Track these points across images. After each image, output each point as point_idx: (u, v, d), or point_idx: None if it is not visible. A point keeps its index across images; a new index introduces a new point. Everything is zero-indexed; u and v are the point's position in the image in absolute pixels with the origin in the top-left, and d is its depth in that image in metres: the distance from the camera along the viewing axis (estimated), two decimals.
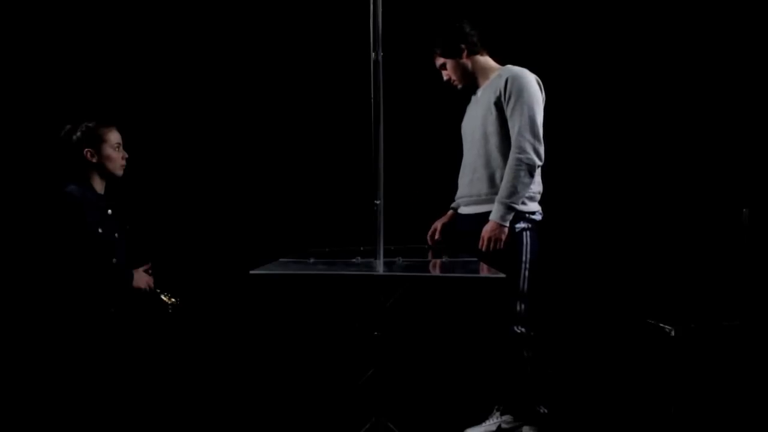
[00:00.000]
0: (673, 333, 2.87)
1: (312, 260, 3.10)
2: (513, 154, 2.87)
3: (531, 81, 2.94)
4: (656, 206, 4.02)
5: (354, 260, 3.07)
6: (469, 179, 3.06)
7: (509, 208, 2.87)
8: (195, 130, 4.16)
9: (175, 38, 4.10)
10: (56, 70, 3.99)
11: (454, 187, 3.30)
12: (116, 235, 2.97)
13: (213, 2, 4.12)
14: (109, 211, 2.98)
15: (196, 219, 4.16)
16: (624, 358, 3.55)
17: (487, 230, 2.90)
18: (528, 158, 2.86)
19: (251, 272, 2.85)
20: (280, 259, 3.17)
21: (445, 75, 3.14)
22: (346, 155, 4.02)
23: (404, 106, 3.80)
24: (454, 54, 3.09)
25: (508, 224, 2.88)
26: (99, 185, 2.97)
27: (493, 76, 3.06)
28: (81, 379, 2.77)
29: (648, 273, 3.92)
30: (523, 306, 2.93)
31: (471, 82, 3.12)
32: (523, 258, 2.94)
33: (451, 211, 3.22)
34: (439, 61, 3.13)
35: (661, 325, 2.99)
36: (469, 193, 3.07)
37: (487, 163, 2.98)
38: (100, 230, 2.88)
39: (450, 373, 3.72)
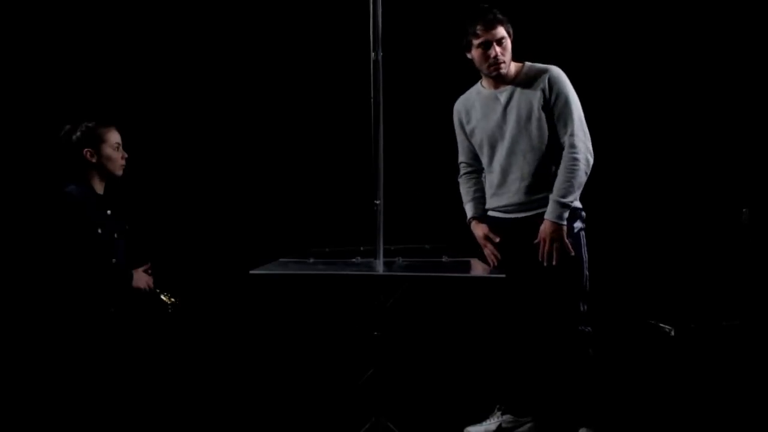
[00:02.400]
0: (672, 333, 2.87)
1: (312, 260, 3.11)
2: (568, 154, 2.83)
3: (568, 79, 2.90)
4: (656, 206, 4.02)
5: (354, 260, 3.07)
6: (517, 187, 2.94)
7: (565, 206, 2.83)
8: (195, 130, 4.16)
9: (175, 38, 4.10)
10: (56, 70, 3.99)
11: (454, 187, 3.29)
12: (116, 235, 2.97)
13: (213, 2, 4.12)
14: (109, 212, 2.98)
15: (196, 219, 4.16)
16: (624, 358, 3.55)
17: (546, 231, 2.85)
18: (584, 157, 2.83)
19: (251, 272, 2.85)
20: (280, 259, 3.17)
21: (495, 51, 2.90)
22: (346, 155, 4.02)
23: (404, 106, 3.79)
24: (510, 32, 2.93)
25: (565, 222, 2.84)
26: (98, 185, 2.97)
27: (520, 76, 2.95)
28: (81, 379, 2.77)
29: (648, 273, 3.91)
30: (585, 306, 2.91)
31: (506, 71, 2.95)
32: (584, 258, 2.92)
33: (479, 219, 3.10)
34: (500, 33, 2.90)
35: (661, 325, 2.99)
36: (519, 200, 2.95)
37: (540, 169, 2.90)
38: (99, 230, 2.87)
39: (450, 373, 3.72)
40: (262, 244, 3.93)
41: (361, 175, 3.32)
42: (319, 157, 4.19)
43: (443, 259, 3.06)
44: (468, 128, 3.10)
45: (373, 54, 2.89)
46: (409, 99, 3.97)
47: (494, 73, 2.92)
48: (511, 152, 2.94)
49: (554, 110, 2.86)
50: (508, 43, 2.91)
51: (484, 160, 3.06)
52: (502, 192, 2.98)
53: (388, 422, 2.98)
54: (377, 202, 2.95)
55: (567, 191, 2.82)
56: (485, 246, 3.03)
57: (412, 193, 3.99)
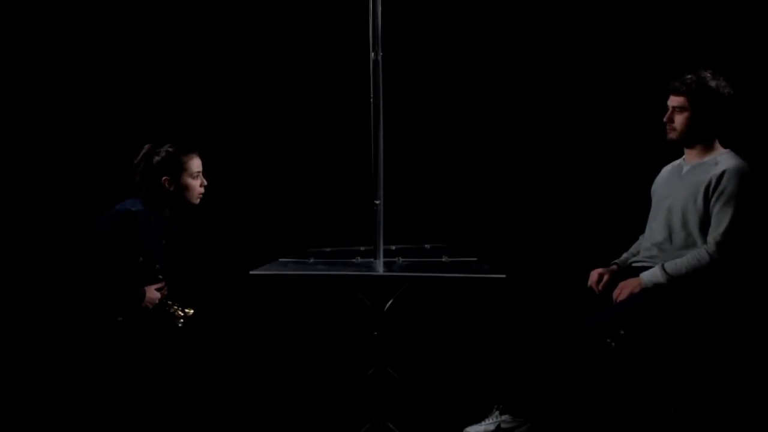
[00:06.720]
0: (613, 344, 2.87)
1: (312, 260, 3.11)
2: (704, 249, 2.79)
3: (748, 179, 2.81)
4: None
5: (354, 260, 3.08)
6: (660, 249, 2.96)
7: (664, 280, 2.82)
8: (194, 130, 4.15)
9: (173, 37, 4.09)
10: (56, 69, 4.00)
11: (456, 186, 3.29)
12: (157, 266, 2.89)
13: (213, 2, 4.11)
14: (164, 242, 2.91)
15: (195, 219, 4.16)
16: (624, 357, 3.54)
17: (628, 284, 2.86)
18: (715, 261, 2.77)
19: (251, 272, 2.85)
20: (280, 259, 3.17)
21: (669, 117, 2.93)
22: (346, 155, 4.02)
23: (404, 106, 3.79)
24: (699, 108, 2.88)
25: (650, 285, 2.83)
26: (167, 212, 2.89)
27: (708, 158, 2.91)
28: (87, 387, 2.76)
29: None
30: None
31: (686, 144, 2.96)
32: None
33: (615, 266, 3.09)
34: (675, 101, 2.91)
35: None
36: (652, 256, 2.98)
37: (685, 246, 2.89)
38: (141, 258, 2.78)
39: (450, 373, 3.72)
40: (262, 244, 3.93)
41: (361, 175, 3.32)
42: (319, 157, 4.18)
43: (443, 259, 3.06)
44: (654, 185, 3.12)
45: (373, 54, 2.89)
46: (409, 99, 3.96)
47: (668, 137, 2.96)
48: (664, 220, 2.95)
49: (713, 201, 2.81)
50: (684, 116, 2.88)
51: (650, 216, 3.07)
52: (655, 249, 2.98)
53: (388, 422, 2.98)
54: (377, 202, 2.96)
55: (678, 272, 2.80)
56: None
57: (412, 193, 3.99)
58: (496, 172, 4.13)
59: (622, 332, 2.80)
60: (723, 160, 2.87)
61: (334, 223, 4.03)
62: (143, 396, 2.76)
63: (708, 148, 2.94)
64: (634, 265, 3.05)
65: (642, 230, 3.12)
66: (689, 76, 2.89)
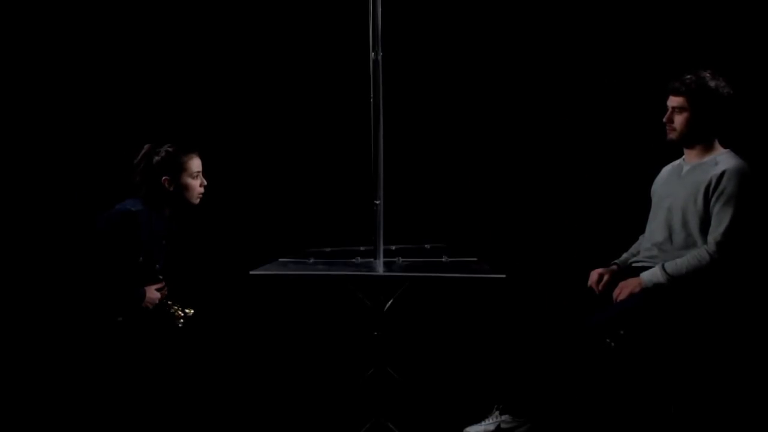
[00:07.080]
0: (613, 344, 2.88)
1: (312, 260, 3.11)
2: (705, 249, 2.79)
3: (748, 179, 2.81)
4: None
5: (354, 260, 3.08)
6: (660, 250, 2.96)
7: (664, 280, 2.81)
8: (194, 129, 4.16)
9: (173, 37, 4.09)
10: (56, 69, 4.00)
11: (456, 186, 3.29)
12: (157, 266, 2.89)
13: (213, 2, 4.11)
14: (164, 242, 2.91)
15: (195, 219, 4.16)
16: (624, 357, 3.54)
17: (628, 283, 2.86)
18: (715, 261, 2.77)
19: (251, 272, 2.85)
20: (280, 259, 3.17)
21: (669, 118, 2.92)
22: (346, 155, 4.02)
23: (404, 106, 3.79)
24: (699, 108, 2.88)
25: (650, 285, 2.83)
26: (168, 212, 2.90)
27: (708, 158, 2.91)
28: (87, 387, 2.76)
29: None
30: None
31: (685, 144, 2.96)
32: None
33: (615, 266, 3.09)
34: (675, 101, 2.89)
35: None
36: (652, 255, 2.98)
37: (685, 246, 2.89)
38: (141, 258, 2.78)
39: (450, 373, 3.72)
40: (262, 244, 3.94)
41: (361, 175, 3.33)
42: (319, 156, 4.18)
43: (443, 259, 3.06)
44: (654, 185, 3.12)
45: (373, 54, 2.89)
46: (409, 99, 3.97)
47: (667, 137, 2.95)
48: (665, 220, 2.94)
49: (713, 201, 2.81)
50: (685, 114, 2.88)
51: (650, 216, 3.07)
52: (655, 249, 2.97)
53: (388, 422, 2.99)
54: (377, 202, 2.96)
55: (678, 272, 2.80)
56: None
57: (412, 193, 3.99)
58: (495, 172, 4.13)
59: (622, 332, 2.80)
60: (723, 160, 2.87)
61: (334, 223, 4.03)
62: (143, 396, 2.77)
63: (708, 148, 2.94)
64: (634, 265, 3.05)
65: (642, 230, 3.12)
66: (689, 77, 2.89)
